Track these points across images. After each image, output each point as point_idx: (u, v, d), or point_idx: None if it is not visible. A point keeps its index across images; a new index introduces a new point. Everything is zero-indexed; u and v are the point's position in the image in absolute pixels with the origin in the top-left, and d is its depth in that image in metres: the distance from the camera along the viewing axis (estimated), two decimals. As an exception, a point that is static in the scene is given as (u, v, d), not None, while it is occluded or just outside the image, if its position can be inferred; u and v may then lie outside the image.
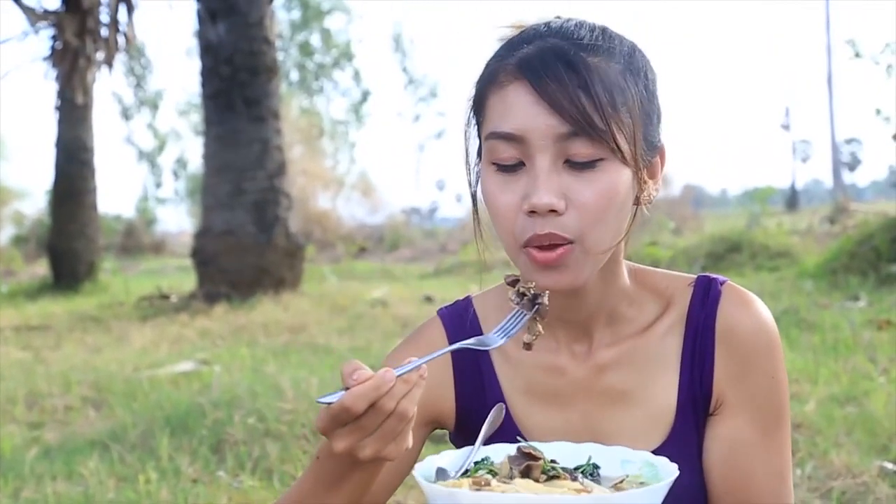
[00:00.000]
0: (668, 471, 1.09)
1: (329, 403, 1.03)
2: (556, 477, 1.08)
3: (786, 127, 44.54)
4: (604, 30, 1.22)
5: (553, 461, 1.11)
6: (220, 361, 6.12)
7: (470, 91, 1.26)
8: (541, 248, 1.17)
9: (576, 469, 1.14)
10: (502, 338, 1.16)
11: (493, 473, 1.09)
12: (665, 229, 15.67)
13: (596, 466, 1.16)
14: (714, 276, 1.34)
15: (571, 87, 1.15)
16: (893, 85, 10.76)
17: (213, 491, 3.39)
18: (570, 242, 1.17)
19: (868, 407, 4.02)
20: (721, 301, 1.31)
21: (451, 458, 1.16)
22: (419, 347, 1.38)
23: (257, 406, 4.22)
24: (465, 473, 1.12)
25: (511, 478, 1.07)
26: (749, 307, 1.31)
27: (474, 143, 1.27)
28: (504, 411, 1.29)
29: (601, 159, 1.16)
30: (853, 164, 54.44)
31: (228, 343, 7.20)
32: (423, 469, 1.11)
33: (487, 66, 1.24)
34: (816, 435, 3.66)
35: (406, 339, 1.42)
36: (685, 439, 1.29)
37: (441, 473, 1.12)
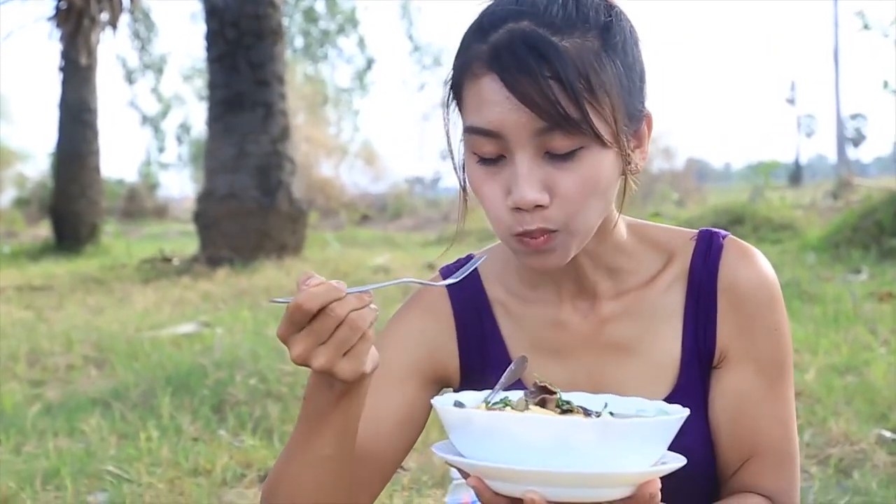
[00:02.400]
0: (681, 415, 1.10)
1: (284, 302, 1.06)
2: (570, 411, 1.09)
3: (791, 101, 44.37)
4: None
5: (568, 401, 1.12)
6: (221, 324, 6.12)
7: (448, 74, 1.23)
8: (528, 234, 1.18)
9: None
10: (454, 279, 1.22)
11: (511, 408, 1.11)
12: (669, 200, 15.67)
13: (612, 414, 1.16)
14: (716, 230, 1.34)
15: (543, 79, 1.12)
16: (902, 58, 10.71)
17: (213, 449, 3.41)
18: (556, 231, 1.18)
19: (868, 376, 4.03)
20: (723, 255, 1.31)
21: (470, 395, 1.17)
22: (421, 307, 1.39)
23: (259, 367, 4.24)
24: None
25: (526, 409, 1.09)
26: (751, 261, 1.31)
27: (456, 123, 1.25)
28: (526, 364, 1.28)
29: (581, 148, 1.15)
30: (858, 140, 54.20)
31: (230, 306, 7.20)
32: (441, 400, 1.13)
33: (462, 48, 1.21)
34: (816, 403, 3.67)
35: (408, 300, 1.42)
36: (691, 392, 1.30)
37: (458, 405, 1.13)
